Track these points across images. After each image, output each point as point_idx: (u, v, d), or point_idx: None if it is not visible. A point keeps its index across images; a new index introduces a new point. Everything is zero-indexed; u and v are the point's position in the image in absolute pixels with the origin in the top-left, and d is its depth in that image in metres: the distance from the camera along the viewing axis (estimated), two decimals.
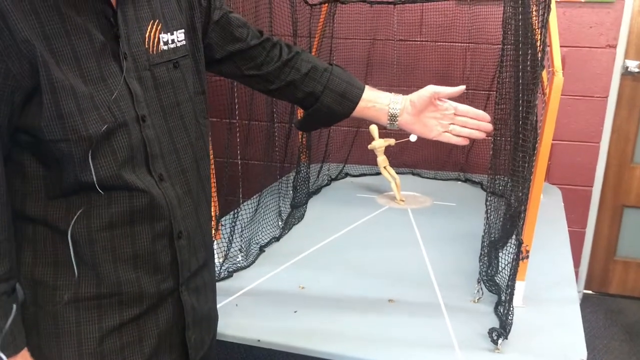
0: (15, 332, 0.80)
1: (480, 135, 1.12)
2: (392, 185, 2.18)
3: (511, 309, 1.22)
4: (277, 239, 1.81)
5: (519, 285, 1.33)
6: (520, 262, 1.27)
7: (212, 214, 1.15)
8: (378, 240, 1.81)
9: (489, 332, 1.22)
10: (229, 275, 1.54)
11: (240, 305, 1.39)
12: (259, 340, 1.25)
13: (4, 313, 0.78)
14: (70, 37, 0.76)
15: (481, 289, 1.42)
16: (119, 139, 0.81)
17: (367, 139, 2.20)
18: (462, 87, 1.11)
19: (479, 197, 2.16)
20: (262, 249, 1.71)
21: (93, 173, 0.79)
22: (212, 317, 1.08)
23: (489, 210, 1.43)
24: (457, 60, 2.49)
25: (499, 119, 1.45)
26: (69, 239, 0.81)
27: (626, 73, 2.46)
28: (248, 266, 1.61)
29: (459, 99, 1.12)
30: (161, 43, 0.89)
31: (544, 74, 1.45)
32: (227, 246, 1.65)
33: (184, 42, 0.93)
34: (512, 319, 1.21)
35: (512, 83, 1.47)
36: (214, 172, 1.47)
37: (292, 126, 2.12)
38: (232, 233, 1.68)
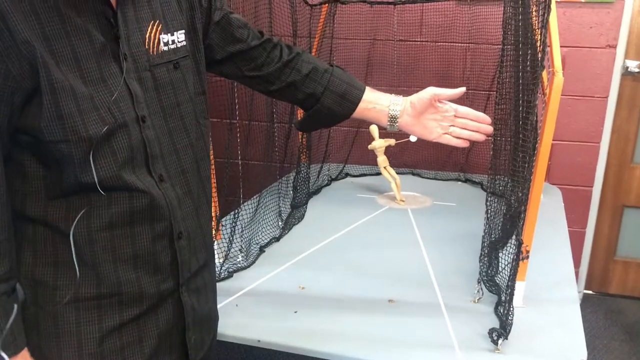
0: (15, 332, 0.80)
1: (480, 137, 1.12)
2: (392, 186, 2.18)
3: (511, 309, 1.22)
4: (277, 239, 1.81)
5: (519, 286, 1.33)
6: (521, 262, 1.27)
7: (213, 214, 1.15)
8: (378, 241, 1.81)
9: (489, 333, 1.22)
10: (229, 275, 1.54)
11: (240, 305, 1.39)
12: (259, 341, 1.25)
13: (4, 313, 0.78)
14: (70, 38, 0.76)
15: (481, 289, 1.42)
16: (119, 140, 0.81)
17: (367, 139, 2.20)
18: (462, 89, 1.11)
19: (479, 197, 2.16)
20: (262, 249, 1.71)
21: (94, 174, 0.79)
22: (212, 318, 1.08)
23: (489, 211, 1.43)
24: (457, 60, 2.49)
25: (499, 119, 1.45)
26: (70, 240, 0.81)
27: (626, 73, 2.46)
28: (248, 266, 1.61)
29: (459, 99, 1.12)
30: (161, 44, 0.89)
31: (544, 74, 1.45)
32: (228, 246, 1.65)
33: (184, 43, 0.94)
34: (512, 319, 1.21)
35: (512, 83, 1.47)
36: (214, 172, 1.47)
37: (292, 126, 2.13)
38: (232, 233, 1.68)
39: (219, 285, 1.17)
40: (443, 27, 2.46)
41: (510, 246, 1.35)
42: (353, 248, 1.74)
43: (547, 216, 1.87)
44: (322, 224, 1.94)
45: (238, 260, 1.63)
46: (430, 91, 1.10)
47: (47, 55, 0.73)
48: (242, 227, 1.76)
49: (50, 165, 0.79)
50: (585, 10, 2.37)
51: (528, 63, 1.29)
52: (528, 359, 1.17)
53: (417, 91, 1.12)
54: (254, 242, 1.73)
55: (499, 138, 1.50)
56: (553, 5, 1.17)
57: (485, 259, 1.46)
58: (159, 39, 0.88)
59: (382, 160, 2.17)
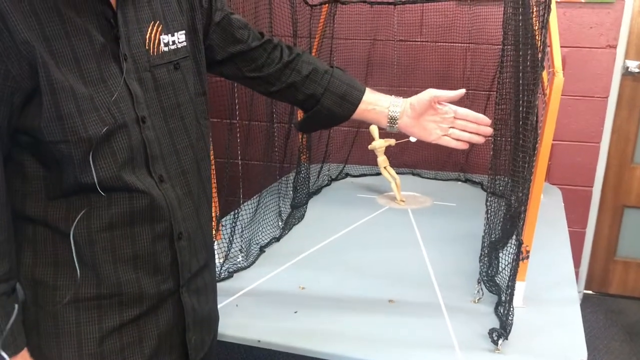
0: (15, 332, 0.80)
1: (480, 139, 1.12)
2: (392, 186, 2.18)
3: (511, 309, 1.22)
4: (278, 239, 1.81)
5: (519, 286, 1.33)
6: (521, 262, 1.27)
7: (213, 214, 1.15)
8: (378, 241, 1.81)
9: (489, 333, 1.22)
10: (229, 275, 1.54)
11: (240, 305, 1.39)
12: (259, 341, 1.25)
13: (4, 313, 0.78)
14: (70, 38, 0.76)
15: (481, 289, 1.42)
16: (118, 141, 0.81)
17: (368, 139, 2.21)
18: (462, 91, 1.10)
19: (479, 197, 2.16)
20: (262, 250, 1.71)
21: (94, 174, 0.79)
22: (212, 318, 1.08)
23: (489, 211, 1.43)
24: (458, 60, 2.49)
25: (500, 119, 1.45)
26: (71, 240, 0.81)
27: (626, 73, 2.46)
28: (248, 266, 1.61)
29: (459, 100, 1.12)
30: (162, 44, 0.89)
31: (544, 74, 1.45)
32: (228, 246, 1.65)
33: (184, 44, 0.94)
34: (512, 320, 1.21)
35: (512, 83, 1.47)
36: (214, 172, 1.47)
37: (292, 126, 2.13)
38: (232, 233, 1.68)
39: (219, 285, 1.17)
40: (443, 28, 2.46)
41: (511, 246, 1.35)
42: (353, 248, 1.74)
43: (547, 216, 1.87)
44: (322, 224, 1.94)
45: (238, 260, 1.63)
46: (430, 93, 1.10)
47: (46, 55, 0.73)
48: (242, 227, 1.76)
49: (50, 165, 0.79)
50: (586, 10, 2.37)
51: (528, 63, 1.29)
52: (528, 359, 1.17)
53: (418, 91, 1.12)
54: (254, 242, 1.74)
55: (499, 138, 1.50)
56: (553, 6, 1.17)
57: (486, 259, 1.46)
58: (159, 40, 0.88)
59: (382, 160, 2.17)
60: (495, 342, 1.19)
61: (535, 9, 1.30)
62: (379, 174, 2.26)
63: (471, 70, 2.47)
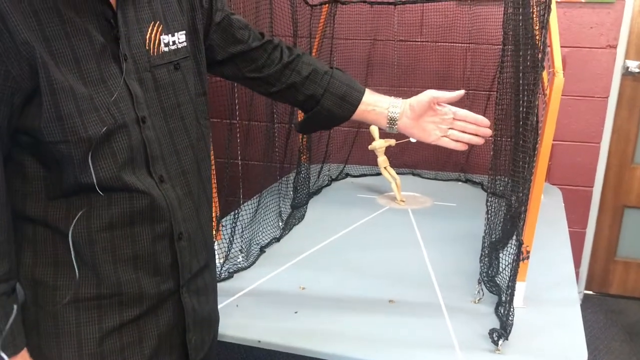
0: (15, 332, 0.80)
1: (479, 140, 1.12)
2: (392, 186, 2.18)
3: (512, 309, 1.22)
4: (278, 239, 1.81)
5: (520, 286, 1.33)
6: (521, 262, 1.27)
7: (213, 214, 1.15)
8: (378, 241, 1.80)
9: (489, 333, 1.22)
10: (230, 275, 1.54)
11: (240, 305, 1.39)
12: (259, 341, 1.25)
13: (4, 313, 0.78)
14: (70, 38, 0.76)
15: (482, 289, 1.42)
16: (118, 141, 0.81)
17: (368, 140, 2.20)
18: (461, 92, 1.10)
19: (479, 197, 2.16)
20: (262, 250, 1.71)
21: (93, 175, 0.79)
22: (212, 319, 1.08)
23: (489, 211, 1.43)
24: (458, 60, 2.49)
25: (500, 120, 1.45)
26: (69, 240, 0.81)
27: (627, 73, 2.46)
28: (248, 267, 1.61)
29: (459, 100, 1.12)
30: (162, 44, 0.89)
31: (545, 74, 1.45)
32: (228, 247, 1.65)
33: (185, 44, 0.94)
34: (512, 320, 1.21)
35: (512, 84, 1.47)
36: (214, 172, 1.47)
37: (293, 127, 2.13)
38: (232, 234, 1.68)
39: (219, 285, 1.17)
40: (443, 28, 2.46)
41: (511, 246, 1.35)
42: (353, 248, 1.74)
43: (547, 216, 1.87)
44: (322, 225, 1.94)
45: (238, 260, 1.63)
46: (429, 94, 1.10)
47: (46, 56, 0.73)
48: (242, 228, 1.76)
49: (51, 165, 0.79)
50: (586, 10, 2.36)
51: (528, 63, 1.29)
52: (528, 359, 1.17)
53: (418, 92, 1.12)
54: (254, 243, 1.73)
55: (499, 138, 1.50)
56: (553, 6, 1.17)
57: (486, 259, 1.46)
58: (159, 40, 0.88)
59: (382, 160, 2.17)
60: (496, 343, 1.19)
61: (535, 8, 1.30)
62: (379, 174, 2.26)
63: (471, 71, 2.47)
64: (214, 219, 1.33)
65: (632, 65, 2.44)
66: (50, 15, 0.74)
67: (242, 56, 1.09)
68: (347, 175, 2.54)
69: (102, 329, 0.85)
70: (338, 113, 1.13)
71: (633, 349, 2.35)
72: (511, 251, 1.33)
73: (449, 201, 2.19)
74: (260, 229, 1.82)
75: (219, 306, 1.15)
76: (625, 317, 2.59)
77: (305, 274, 1.56)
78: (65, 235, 0.82)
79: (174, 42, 0.91)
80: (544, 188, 1.34)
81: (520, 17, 1.37)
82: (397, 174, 2.19)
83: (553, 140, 1.28)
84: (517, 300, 1.33)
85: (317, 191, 2.31)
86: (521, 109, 1.31)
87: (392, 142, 2.17)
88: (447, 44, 2.49)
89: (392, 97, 1.14)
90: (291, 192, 2.13)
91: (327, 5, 2.31)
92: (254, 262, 1.64)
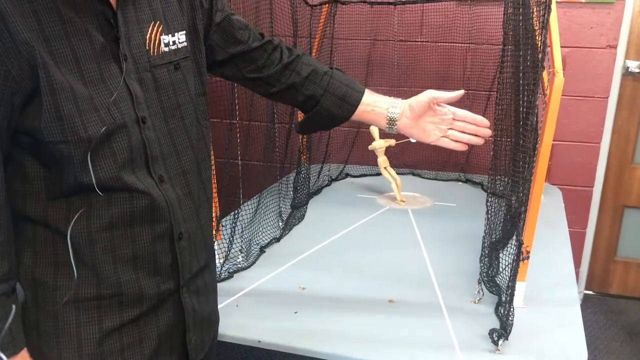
0: (14, 332, 0.80)
1: (479, 141, 1.11)
2: (392, 186, 2.18)
3: (512, 309, 1.22)
4: (278, 239, 1.81)
5: (520, 286, 1.33)
6: (521, 262, 1.27)
7: (213, 215, 1.15)
8: (378, 241, 1.80)
9: (489, 333, 1.22)
10: (230, 276, 1.54)
11: (240, 305, 1.39)
12: (259, 341, 1.25)
13: (3, 313, 0.78)
14: (70, 38, 0.76)
15: (482, 289, 1.42)
16: (118, 141, 0.81)
17: (368, 140, 2.20)
18: (461, 92, 1.10)
19: (479, 197, 2.16)
20: (262, 250, 1.71)
21: (92, 175, 0.79)
22: (212, 319, 1.08)
23: (489, 211, 1.43)
24: (458, 60, 2.49)
25: (500, 120, 1.45)
26: (68, 240, 0.81)
27: (627, 73, 2.46)
28: (248, 267, 1.61)
29: (459, 100, 1.12)
30: (162, 44, 0.89)
31: (545, 74, 1.45)
32: (228, 247, 1.65)
33: (185, 44, 0.94)
34: (512, 320, 1.21)
35: (512, 84, 1.47)
36: (214, 172, 1.47)
37: (293, 127, 2.13)
38: (232, 234, 1.68)
39: (219, 285, 1.17)
40: (443, 28, 2.46)
41: (511, 247, 1.35)
42: (353, 248, 1.74)
43: (547, 216, 1.87)
44: (322, 225, 1.94)
45: (238, 260, 1.63)
46: (429, 94, 1.10)
47: (46, 56, 0.73)
48: (242, 228, 1.76)
49: (51, 165, 0.79)
50: (586, 10, 2.36)
51: (528, 63, 1.29)
52: (528, 359, 1.17)
53: (418, 92, 1.12)
54: (254, 243, 1.73)
55: (499, 139, 1.50)
56: (553, 6, 1.17)
57: (486, 259, 1.46)
58: (159, 40, 0.88)
59: (382, 160, 2.17)
60: (496, 343, 1.19)
61: (535, 9, 1.30)
62: (379, 174, 2.26)
63: (471, 71, 2.47)
64: (213, 219, 1.33)
65: (632, 65, 2.44)
66: (50, 15, 0.74)
67: (242, 56, 1.09)
68: (347, 175, 2.55)
69: (102, 329, 0.85)
70: (338, 113, 1.13)
71: (633, 349, 2.35)
72: (511, 251, 1.33)
73: (449, 201, 2.19)
74: (260, 229, 1.82)
75: (219, 306, 1.15)
76: (625, 317, 2.59)
77: (305, 274, 1.56)
78: (65, 236, 0.82)
79: (174, 42, 0.91)
80: (544, 188, 1.34)
81: (521, 17, 1.37)
82: (397, 174, 2.19)
83: (553, 141, 1.28)
84: (517, 301, 1.33)
85: (317, 191, 2.31)
86: (521, 109, 1.31)
87: (392, 142, 2.17)
88: (447, 44, 2.49)
89: (392, 97, 1.14)
90: (291, 192, 2.13)
91: (327, 5, 2.31)
92: (254, 262, 1.64)
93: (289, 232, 1.88)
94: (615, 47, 2.38)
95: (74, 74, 0.76)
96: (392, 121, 1.12)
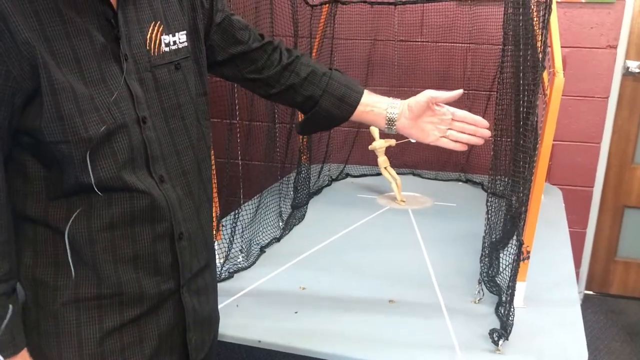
0: (14, 332, 0.80)
1: (478, 141, 1.11)
2: (392, 186, 2.18)
3: (512, 309, 1.22)
4: (278, 239, 1.81)
5: (520, 286, 1.33)
6: (521, 262, 1.27)
7: (213, 214, 1.15)
8: (378, 241, 1.80)
9: (489, 333, 1.22)
10: (230, 276, 1.54)
11: (240, 305, 1.39)
12: (259, 341, 1.25)
13: (4, 313, 0.78)
14: (70, 38, 0.76)
15: (482, 289, 1.42)
16: (119, 141, 0.81)
17: (368, 140, 2.20)
18: (460, 91, 1.10)
19: (479, 197, 2.16)
20: (262, 250, 1.71)
21: (91, 174, 0.79)
22: (213, 319, 1.08)
23: (489, 211, 1.43)
24: (458, 60, 2.49)
25: (500, 120, 1.45)
26: (65, 238, 0.81)
27: (627, 73, 2.46)
28: (249, 267, 1.61)
29: (459, 99, 1.12)
30: (162, 44, 0.89)
31: (545, 74, 1.45)
32: (228, 247, 1.65)
33: (185, 44, 0.94)
34: (512, 320, 1.21)
35: (512, 84, 1.47)
36: (214, 172, 1.47)
37: (294, 127, 2.13)
38: (232, 234, 1.68)
39: (219, 285, 1.17)
40: (444, 28, 2.46)
41: (511, 247, 1.35)
42: (353, 248, 1.74)
43: (547, 217, 1.87)
44: (322, 225, 1.94)
45: (238, 260, 1.63)
46: (428, 94, 1.10)
47: (47, 56, 0.73)
48: (242, 228, 1.76)
49: (51, 165, 0.79)
50: (586, 10, 2.36)
51: (529, 63, 1.29)
52: (529, 359, 1.17)
53: (418, 92, 1.12)
54: (255, 243, 1.74)
55: (499, 139, 1.50)
56: (554, 6, 1.17)
57: (486, 259, 1.46)
58: (160, 40, 0.88)
59: (382, 160, 2.17)
60: (496, 343, 1.19)
61: (535, 9, 1.30)
62: (379, 174, 2.26)
63: (472, 71, 2.47)
64: (214, 219, 1.33)
65: (633, 65, 2.44)
66: (51, 15, 0.74)
67: (242, 57, 1.09)
68: (348, 175, 2.55)
69: (103, 328, 0.85)
70: (337, 114, 1.13)
71: (633, 349, 2.35)
72: (511, 251, 1.33)
73: (449, 201, 2.19)
74: (261, 229, 1.82)
75: (219, 306, 1.15)
76: (625, 317, 2.59)
77: (305, 274, 1.56)
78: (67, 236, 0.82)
79: (174, 42, 0.91)
80: (544, 188, 1.34)
81: (521, 17, 1.37)
82: (398, 174, 2.19)
83: (553, 141, 1.28)
84: (518, 301, 1.33)
85: (318, 191, 2.31)
86: (521, 109, 1.31)
87: (393, 142, 2.17)
88: (447, 44, 2.49)
89: (391, 98, 1.14)
90: (291, 192, 2.13)
91: (327, 5, 2.31)
92: (254, 262, 1.64)
93: (289, 232, 1.88)
94: (615, 47, 2.38)
95: (74, 74, 0.76)
96: (391, 121, 1.12)
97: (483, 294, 1.41)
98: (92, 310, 0.84)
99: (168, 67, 0.90)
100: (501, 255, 1.42)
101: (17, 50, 0.71)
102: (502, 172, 1.60)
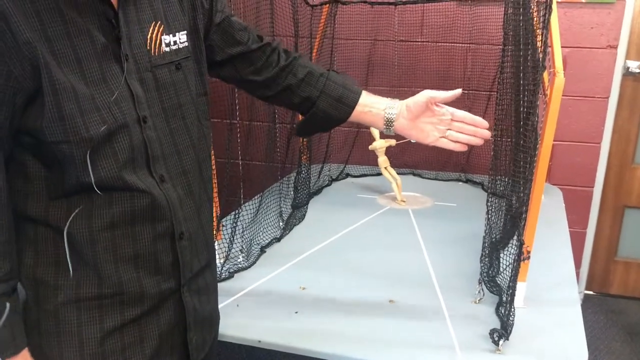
0: (15, 332, 0.80)
1: (478, 141, 1.10)
2: (393, 186, 2.18)
3: (512, 309, 1.22)
4: (278, 239, 1.81)
5: (520, 286, 1.33)
6: (522, 262, 1.27)
7: (214, 214, 1.15)
8: (379, 241, 1.81)
9: (490, 333, 1.22)
10: (230, 275, 1.54)
11: (241, 305, 1.39)
12: (259, 341, 1.25)
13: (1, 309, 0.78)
14: (71, 38, 0.76)
15: (482, 289, 1.42)
16: (120, 140, 0.81)
17: (368, 140, 2.21)
18: (458, 91, 1.09)
19: (480, 197, 2.16)
20: (263, 250, 1.71)
21: (91, 174, 0.79)
22: (213, 318, 1.08)
23: (490, 211, 1.43)
24: (458, 60, 2.49)
25: (500, 120, 1.45)
26: (64, 236, 0.81)
27: (627, 74, 2.46)
28: (249, 267, 1.61)
29: (460, 99, 1.11)
30: (163, 44, 0.89)
31: (545, 74, 1.45)
32: (228, 247, 1.65)
33: (186, 44, 0.94)
34: (513, 320, 1.21)
35: (512, 84, 1.47)
36: (215, 172, 1.47)
37: (294, 127, 2.12)
38: (233, 234, 1.68)
39: (219, 285, 1.17)
40: (444, 28, 2.46)
41: (511, 247, 1.35)
42: (354, 248, 1.74)
43: (548, 217, 1.87)
44: (322, 225, 1.94)
45: (239, 260, 1.63)
46: (426, 94, 1.09)
47: (48, 56, 0.73)
48: (242, 228, 1.76)
49: (52, 165, 0.79)
50: (586, 10, 2.36)
51: (529, 63, 1.29)
52: (529, 359, 1.17)
53: (418, 92, 1.12)
54: (255, 243, 1.74)
55: (500, 139, 1.50)
56: (554, 6, 1.17)
57: (486, 259, 1.46)
58: (160, 40, 0.88)
59: (382, 160, 2.17)
60: (496, 343, 1.19)
61: (535, 9, 1.30)
62: (379, 174, 2.26)
63: (472, 71, 2.47)
64: (214, 219, 1.33)
65: (633, 65, 2.44)
66: (52, 16, 0.74)
67: (241, 58, 1.09)
68: (348, 175, 2.55)
69: (104, 328, 0.85)
70: (334, 115, 1.12)
71: (634, 349, 2.35)
72: (512, 251, 1.33)
73: (450, 201, 2.19)
74: (261, 229, 1.82)
75: (220, 306, 1.15)
76: (625, 317, 2.59)
77: (305, 274, 1.56)
78: (67, 235, 0.82)
79: (175, 42, 0.91)
80: (544, 188, 1.34)
81: (521, 18, 1.37)
82: (398, 174, 2.20)
83: (553, 141, 1.28)
84: (518, 301, 1.33)
85: (318, 191, 2.31)
86: (522, 109, 1.31)
87: (393, 142, 2.17)
88: (447, 44, 2.49)
89: (390, 98, 1.14)
90: (292, 192, 2.13)
91: (327, 5, 2.31)
92: (254, 262, 1.64)
93: (289, 232, 1.88)
94: (615, 47, 2.38)
95: (75, 74, 0.76)
96: (389, 122, 1.11)
97: (483, 294, 1.41)
98: (93, 309, 0.84)
99: (168, 67, 0.90)
100: (501, 255, 1.42)
101: (19, 50, 0.71)
102: (502, 172, 1.60)
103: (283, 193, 2.11)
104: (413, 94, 1.13)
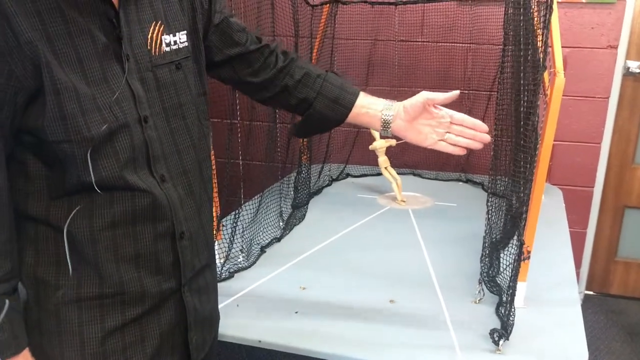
0: (16, 331, 0.80)
1: (477, 145, 1.08)
2: (393, 186, 2.18)
3: (512, 309, 1.22)
4: (278, 239, 1.81)
5: (520, 286, 1.33)
6: (522, 262, 1.27)
7: (214, 214, 1.15)
8: (379, 241, 1.81)
9: (490, 333, 1.22)
10: (230, 275, 1.54)
11: (241, 305, 1.39)
12: (260, 341, 1.25)
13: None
14: (73, 38, 0.76)
15: (482, 289, 1.42)
16: (121, 140, 0.81)
17: (368, 140, 2.21)
18: (456, 92, 1.07)
19: (480, 197, 2.16)
20: (263, 250, 1.71)
21: (92, 173, 0.79)
22: (214, 318, 1.08)
23: (490, 211, 1.43)
24: (459, 60, 2.49)
25: (501, 120, 1.45)
26: (64, 235, 0.81)
27: (627, 74, 2.46)
28: (249, 267, 1.61)
29: (460, 99, 1.11)
30: (163, 44, 0.89)
31: (546, 74, 1.45)
32: (228, 247, 1.65)
33: (186, 44, 0.94)
34: (513, 320, 1.21)
35: (513, 84, 1.47)
36: (215, 172, 1.47)
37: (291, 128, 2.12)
38: (233, 234, 1.68)
39: (219, 285, 1.17)
40: (444, 28, 2.46)
41: (512, 247, 1.35)
42: (354, 248, 1.74)
43: (548, 217, 1.87)
44: (323, 225, 1.94)
45: (239, 260, 1.63)
46: (423, 95, 1.07)
47: (50, 55, 0.74)
48: (243, 228, 1.76)
49: (53, 165, 0.80)
50: (587, 10, 2.36)
51: (529, 63, 1.29)
52: (529, 359, 1.17)
53: (419, 92, 1.11)
54: (255, 243, 1.74)
55: (500, 139, 1.50)
56: (554, 6, 1.17)
57: (486, 259, 1.46)
58: (161, 40, 0.89)
59: (383, 160, 2.17)
60: (496, 343, 1.19)
61: (536, 9, 1.30)
62: (379, 174, 2.26)
63: (472, 71, 2.47)
64: (214, 219, 1.33)
65: (633, 65, 2.44)
66: (53, 15, 0.74)
67: (239, 59, 1.08)
68: (348, 175, 2.55)
69: (105, 328, 0.85)
70: (331, 116, 1.12)
71: (634, 350, 2.35)
72: (512, 251, 1.33)
73: (450, 201, 2.19)
74: (261, 229, 1.82)
75: (220, 306, 1.15)
76: (625, 317, 2.59)
77: (305, 274, 1.57)
78: (68, 235, 0.82)
79: (175, 42, 0.91)
80: (544, 188, 1.34)
81: (521, 18, 1.37)
82: (398, 174, 2.20)
83: (554, 141, 1.28)
84: (518, 301, 1.33)
85: (318, 191, 2.31)
86: (522, 109, 1.31)
87: (393, 142, 2.17)
88: (448, 44, 2.49)
89: (388, 100, 1.13)
90: (292, 192, 2.13)
91: (328, 5, 2.31)
92: (254, 262, 1.64)
93: (289, 232, 1.88)
94: (616, 47, 2.38)
95: (77, 73, 0.76)
96: (386, 123, 1.10)
97: (483, 294, 1.41)
98: (94, 309, 0.85)
99: (169, 67, 0.90)
100: (501, 255, 1.42)
101: (20, 50, 0.71)
102: (502, 172, 1.60)
103: (283, 193, 2.11)
104: (413, 94, 1.12)
